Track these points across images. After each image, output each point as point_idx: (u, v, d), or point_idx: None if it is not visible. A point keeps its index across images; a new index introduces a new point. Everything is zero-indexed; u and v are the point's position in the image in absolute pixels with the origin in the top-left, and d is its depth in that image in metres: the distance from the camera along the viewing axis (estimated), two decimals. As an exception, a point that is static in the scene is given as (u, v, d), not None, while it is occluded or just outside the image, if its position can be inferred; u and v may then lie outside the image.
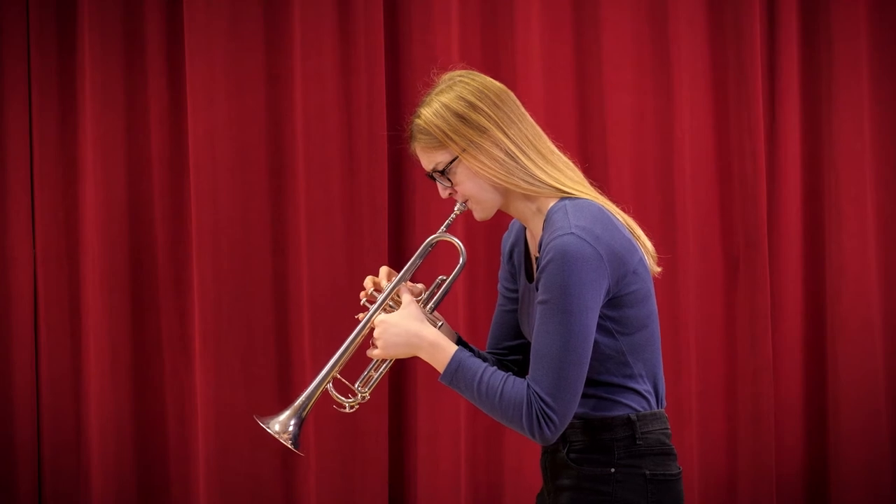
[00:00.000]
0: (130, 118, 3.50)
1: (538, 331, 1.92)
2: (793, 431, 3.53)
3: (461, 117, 2.00)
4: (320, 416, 3.43)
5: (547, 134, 2.09)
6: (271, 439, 3.43)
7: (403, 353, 2.02)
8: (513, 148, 1.99)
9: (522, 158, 1.99)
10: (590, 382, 1.96)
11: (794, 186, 3.54)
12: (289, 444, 2.06)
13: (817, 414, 3.56)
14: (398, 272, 2.09)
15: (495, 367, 1.97)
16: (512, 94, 2.04)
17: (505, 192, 2.02)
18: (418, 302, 2.06)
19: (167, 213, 3.51)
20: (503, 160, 1.99)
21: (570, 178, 2.02)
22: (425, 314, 2.04)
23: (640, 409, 1.98)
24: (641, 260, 1.99)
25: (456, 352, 1.98)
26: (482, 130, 1.99)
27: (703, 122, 3.51)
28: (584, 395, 1.96)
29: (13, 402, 3.48)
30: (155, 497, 3.51)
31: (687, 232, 3.47)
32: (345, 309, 3.46)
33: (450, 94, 2.03)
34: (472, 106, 2.00)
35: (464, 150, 1.99)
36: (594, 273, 1.90)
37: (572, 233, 1.90)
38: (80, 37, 3.48)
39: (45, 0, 3.49)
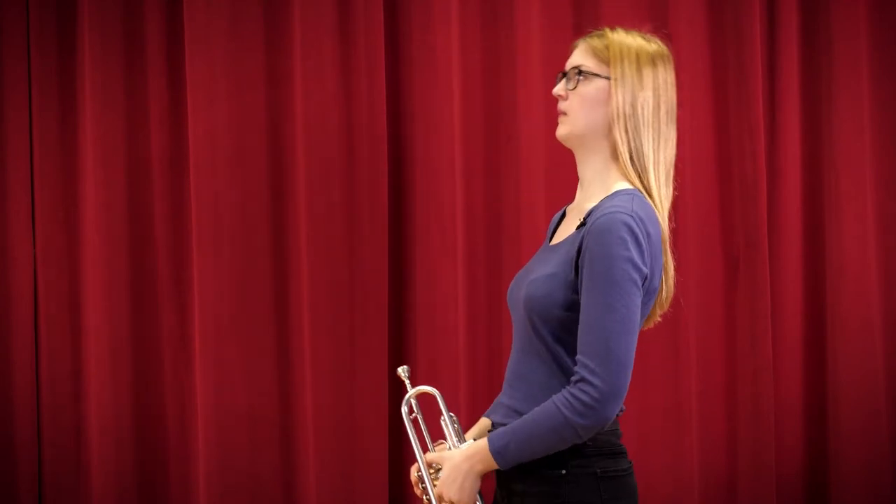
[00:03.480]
0: (130, 118, 3.50)
1: (584, 305, 1.92)
2: (793, 431, 3.53)
3: (639, 63, 2.05)
4: (322, 415, 3.43)
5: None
6: (271, 439, 3.46)
7: (471, 485, 2.02)
8: (650, 118, 2.04)
9: (647, 131, 2.03)
10: (543, 385, 1.98)
11: (794, 186, 3.53)
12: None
13: (817, 414, 3.55)
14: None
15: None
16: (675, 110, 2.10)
17: (602, 135, 2.05)
18: (448, 449, 2.09)
19: (167, 213, 3.51)
20: (631, 115, 2.03)
21: (662, 185, 2.04)
22: (459, 448, 2.06)
23: None
24: (659, 284, 2.02)
25: (487, 441, 1.99)
26: (642, 86, 2.04)
27: (703, 122, 3.51)
28: (534, 399, 1.98)
29: (13, 402, 3.48)
30: (155, 497, 3.51)
31: (687, 232, 3.47)
32: (345, 309, 3.46)
33: (649, 46, 2.09)
34: (653, 65, 2.06)
35: (616, 79, 2.04)
36: (640, 256, 1.92)
37: (631, 215, 1.92)
38: (80, 37, 3.48)
39: (45, 0, 3.49)
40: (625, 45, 2.06)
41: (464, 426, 3.40)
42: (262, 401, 3.47)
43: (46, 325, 3.49)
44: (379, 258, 3.45)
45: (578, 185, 2.14)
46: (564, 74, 2.10)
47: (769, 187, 3.52)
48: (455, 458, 2.02)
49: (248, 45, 3.47)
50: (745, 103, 3.47)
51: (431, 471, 2.09)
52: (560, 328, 1.97)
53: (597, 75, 2.05)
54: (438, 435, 2.18)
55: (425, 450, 2.13)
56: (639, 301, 1.93)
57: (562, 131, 2.09)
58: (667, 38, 2.19)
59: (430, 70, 3.46)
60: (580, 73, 2.07)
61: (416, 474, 2.13)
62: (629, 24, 3.42)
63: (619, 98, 2.03)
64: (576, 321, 1.95)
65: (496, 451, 1.97)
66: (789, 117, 3.52)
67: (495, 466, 1.99)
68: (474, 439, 2.09)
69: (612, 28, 2.11)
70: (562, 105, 2.10)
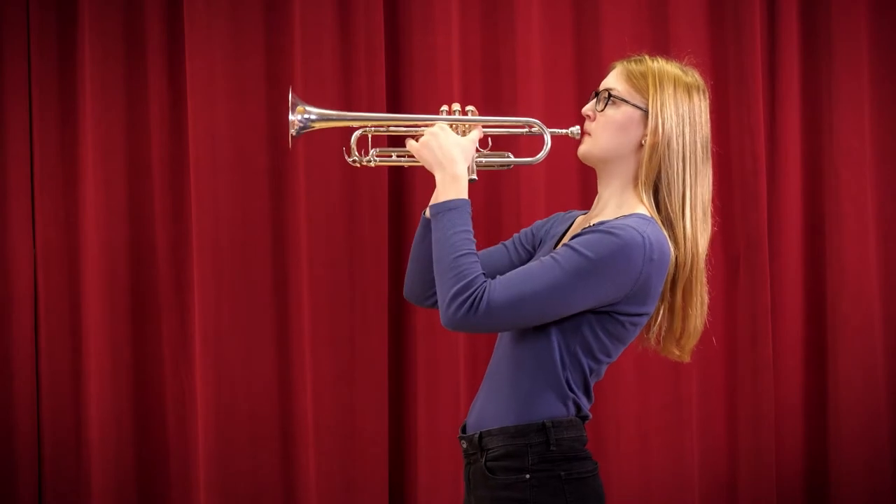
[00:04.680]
0: (130, 118, 3.50)
1: (543, 259, 1.92)
2: (793, 431, 3.53)
3: (675, 94, 2.03)
4: (322, 415, 3.43)
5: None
6: (271, 439, 3.46)
7: (429, 163, 2.05)
8: (687, 153, 2.02)
9: (681, 165, 2.01)
10: (523, 385, 1.98)
11: (794, 186, 3.53)
12: (291, 130, 2.11)
13: (817, 414, 3.55)
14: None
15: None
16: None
17: (623, 160, 2.04)
18: (477, 149, 2.10)
19: (167, 213, 3.51)
20: (665, 147, 2.00)
21: (698, 221, 2.02)
22: (472, 161, 2.07)
23: (557, 416, 1.98)
24: (649, 315, 2.01)
25: (465, 199, 2.00)
26: (678, 119, 2.01)
27: (703, 122, 3.50)
28: (507, 401, 1.99)
29: (13, 402, 3.48)
30: (155, 497, 3.51)
31: (687, 232, 3.47)
32: (345, 309, 3.46)
33: (686, 77, 2.07)
34: (689, 98, 2.04)
35: (650, 110, 2.02)
36: (625, 276, 1.91)
37: (644, 236, 1.91)
38: (81, 37, 3.48)
39: (45, 1, 3.49)
40: (663, 74, 2.04)
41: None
42: (262, 401, 3.47)
43: (46, 325, 3.49)
44: (379, 258, 3.45)
45: (596, 198, 2.14)
46: (597, 94, 2.08)
47: (769, 187, 3.52)
48: (457, 155, 2.03)
49: (248, 45, 3.47)
50: (745, 103, 3.47)
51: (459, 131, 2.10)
52: (547, 330, 1.97)
53: (626, 101, 2.03)
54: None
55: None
56: (580, 303, 1.91)
57: (582, 150, 2.08)
58: (697, 65, 2.17)
59: (430, 70, 3.46)
60: (610, 96, 2.05)
61: (456, 108, 2.12)
62: (629, 24, 3.47)
63: (651, 129, 2.01)
64: (563, 324, 1.95)
65: (447, 206, 2.00)
66: (789, 117, 3.52)
67: (437, 198, 2.03)
68: None
69: (653, 56, 2.08)
70: (587, 125, 2.08)
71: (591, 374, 2.01)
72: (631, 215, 1.98)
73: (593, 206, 2.13)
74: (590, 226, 1.98)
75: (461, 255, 1.93)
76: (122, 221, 3.49)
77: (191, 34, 3.44)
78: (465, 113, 2.13)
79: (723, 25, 3.51)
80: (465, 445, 2.07)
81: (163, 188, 3.51)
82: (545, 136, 2.14)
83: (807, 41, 3.55)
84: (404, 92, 3.50)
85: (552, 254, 1.92)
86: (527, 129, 2.16)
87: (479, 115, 2.14)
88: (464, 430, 2.10)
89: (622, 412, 3.46)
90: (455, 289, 1.90)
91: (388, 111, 3.46)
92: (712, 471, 3.51)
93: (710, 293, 2.09)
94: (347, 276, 3.46)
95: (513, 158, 2.19)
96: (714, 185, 3.44)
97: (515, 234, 2.27)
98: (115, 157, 3.49)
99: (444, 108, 2.14)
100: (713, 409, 3.52)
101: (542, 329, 1.97)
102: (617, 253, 1.89)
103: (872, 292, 3.51)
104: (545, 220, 2.26)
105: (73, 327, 3.51)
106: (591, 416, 2.05)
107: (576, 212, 2.23)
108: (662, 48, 3.48)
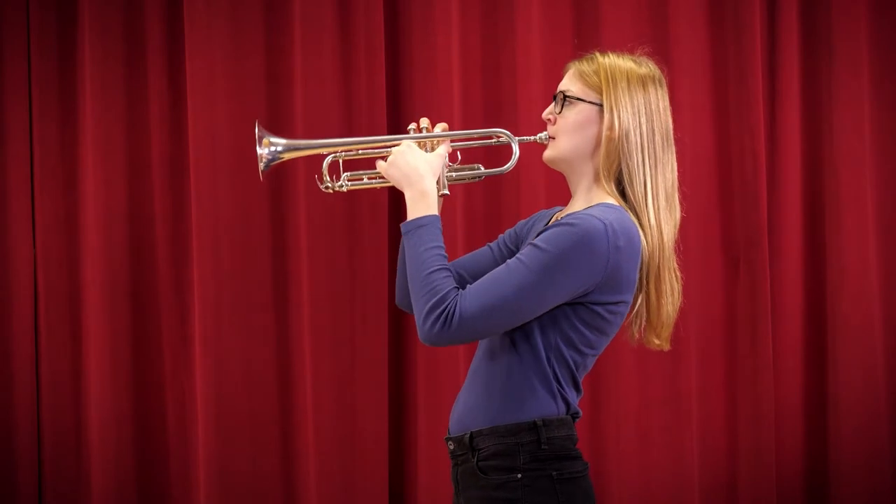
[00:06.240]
0: (130, 118, 3.50)
1: (509, 262, 1.94)
2: (793, 431, 3.53)
3: (629, 88, 2.04)
4: (322, 416, 3.43)
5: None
6: (271, 439, 3.46)
7: (398, 182, 2.07)
8: (646, 144, 2.03)
9: (640, 157, 2.02)
10: (503, 381, 1.99)
11: (794, 186, 3.53)
12: (260, 164, 2.17)
13: (817, 414, 3.55)
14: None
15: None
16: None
17: (587, 159, 2.06)
18: (447, 164, 2.13)
19: (167, 213, 3.50)
20: (623, 140, 2.02)
21: (661, 210, 2.03)
22: (442, 175, 2.09)
23: (548, 415, 1.99)
24: (628, 304, 2.02)
25: (434, 215, 2.02)
26: (633, 111, 2.03)
27: (703, 122, 3.51)
28: (494, 400, 1.99)
29: (13, 402, 3.47)
30: (155, 497, 3.51)
31: (687, 232, 3.47)
32: (345, 309, 3.46)
33: (640, 69, 2.07)
34: (644, 90, 2.05)
35: (604, 105, 2.04)
36: (591, 265, 1.92)
37: (605, 224, 1.92)
38: (81, 37, 3.48)
39: (45, 1, 3.49)
40: (615, 69, 2.05)
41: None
42: (262, 402, 3.47)
43: (46, 326, 3.49)
44: (379, 258, 3.45)
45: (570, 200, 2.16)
46: (554, 98, 2.12)
47: (769, 187, 3.52)
48: (425, 171, 2.04)
49: (248, 45, 3.47)
50: (745, 103, 3.47)
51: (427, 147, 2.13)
52: (527, 325, 1.98)
53: (581, 100, 2.06)
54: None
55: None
56: (552, 299, 1.92)
57: (546, 155, 2.11)
58: (661, 59, 2.17)
59: (430, 70, 3.46)
60: (566, 97, 2.08)
61: (424, 126, 2.15)
62: (629, 24, 3.47)
63: (607, 124, 2.03)
64: (541, 319, 1.96)
65: (417, 223, 2.00)
66: (789, 117, 3.52)
67: (408, 215, 2.03)
68: None
69: (604, 52, 2.10)
70: (549, 129, 2.11)
71: (577, 369, 2.01)
72: (596, 205, 2.00)
73: (567, 207, 2.15)
74: (556, 222, 1.99)
75: (433, 272, 1.95)
76: (122, 221, 3.49)
77: (191, 34, 3.44)
78: (430, 129, 2.15)
79: (723, 25, 3.51)
80: (452, 447, 2.07)
81: (163, 188, 3.50)
82: (513, 144, 2.16)
83: (807, 41, 3.55)
84: (404, 92, 3.50)
85: (518, 255, 1.94)
86: (494, 140, 2.19)
87: (461, 123, 2.16)
88: (449, 431, 2.10)
89: (622, 412, 3.46)
90: (428, 305, 1.92)
91: (389, 112, 3.46)
92: (712, 471, 3.51)
93: (682, 281, 2.10)
94: (347, 277, 3.46)
95: (483, 170, 2.21)
96: (714, 184, 3.50)
97: (500, 235, 2.29)
98: (115, 157, 3.48)
99: (412, 126, 2.16)
100: (713, 408, 3.52)
101: (521, 326, 1.97)
102: (578, 243, 1.90)
103: (872, 292, 3.51)
104: (527, 219, 2.28)
105: (73, 327, 3.51)
106: (581, 413, 2.05)
107: (558, 209, 2.25)
108: (662, 48, 3.48)
